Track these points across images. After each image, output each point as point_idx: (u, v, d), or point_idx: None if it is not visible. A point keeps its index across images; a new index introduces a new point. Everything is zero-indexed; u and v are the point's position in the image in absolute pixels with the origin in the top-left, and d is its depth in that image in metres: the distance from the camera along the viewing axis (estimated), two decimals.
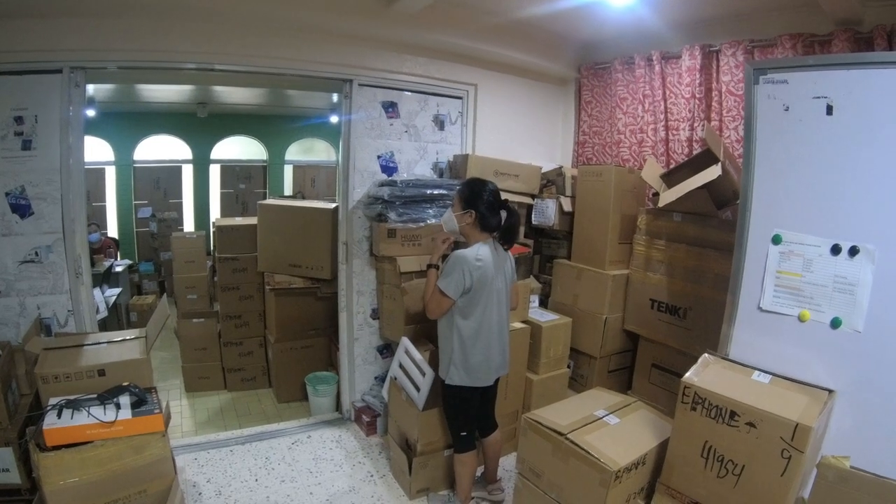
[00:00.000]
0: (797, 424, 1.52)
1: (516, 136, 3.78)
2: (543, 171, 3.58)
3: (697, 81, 3.15)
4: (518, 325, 2.98)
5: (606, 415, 2.12)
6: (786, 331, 1.85)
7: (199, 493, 2.67)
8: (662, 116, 3.38)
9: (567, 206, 3.42)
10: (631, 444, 1.94)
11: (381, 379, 3.41)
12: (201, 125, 7.21)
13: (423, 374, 2.64)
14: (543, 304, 3.48)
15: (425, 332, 2.96)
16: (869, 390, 1.68)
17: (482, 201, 2.35)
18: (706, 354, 1.95)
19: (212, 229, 5.36)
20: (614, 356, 3.33)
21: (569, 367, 3.28)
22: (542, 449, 2.04)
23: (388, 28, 3.05)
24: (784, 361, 1.83)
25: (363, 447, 3.19)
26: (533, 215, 3.57)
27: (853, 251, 1.69)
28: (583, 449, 1.88)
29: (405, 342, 2.81)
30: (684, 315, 2.91)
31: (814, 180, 1.77)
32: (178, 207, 7.41)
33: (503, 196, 3.30)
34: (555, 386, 3.15)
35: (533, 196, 3.56)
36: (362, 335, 3.38)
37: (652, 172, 3.08)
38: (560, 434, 1.95)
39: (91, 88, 5.42)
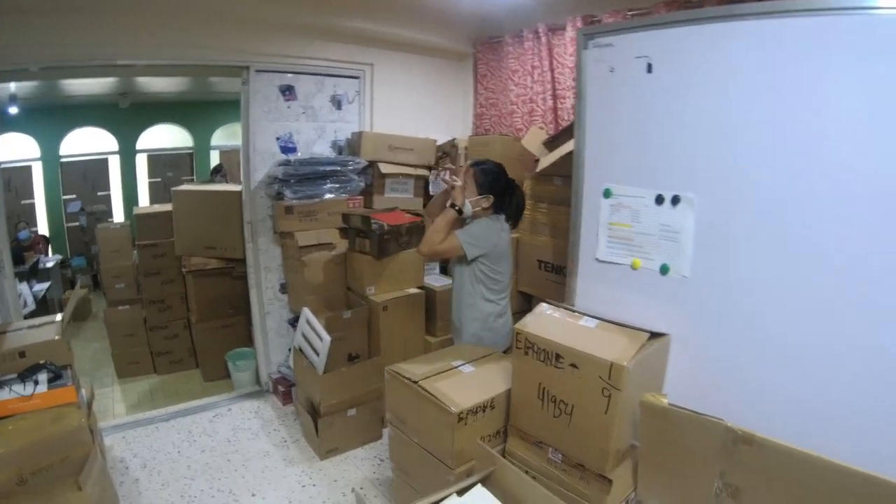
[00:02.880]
0: (612, 364, 1.57)
1: (415, 111, 3.92)
2: (438, 143, 3.74)
3: None
4: (413, 290, 3.17)
5: (463, 364, 2.23)
6: (621, 279, 1.94)
7: (126, 468, 2.82)
8: (550, 86, 3.53)
9: None
10: (479, 390, 2.02)
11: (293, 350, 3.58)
12: (125, 116, 7.11)
13: (321, 339, 2.80)
14: (444, 270, 3.65)
15: (325, 301, 3.12)
16: (699, 333, 1.77)
17: (500, 187, 2.37)
18: (543, 303, 2.03)
19: None
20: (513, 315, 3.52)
21: None
22: (403, 397, 2.16)
23: (283, 13, 3.15)
24: (621, 308, 1.89)
25: (279, 416, 3.37)
26: (430, 187, 3.73)
27: (675, 200, 1.77)
28: (431, 394, 1.98)
29: (306, 312, 2.97)
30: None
31: (637, 135, 1.84)
32: (107, 200, 7.35)
33: (400, 170, 3.50)
34: None
35: (430, 168, 3.72)
36: (273, 309, 3.54)
37: (534, 140, 3.25)
38: (414, 382, 2.07)
39: (13, 86, 5.36)
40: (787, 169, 1.52)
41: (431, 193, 3.73)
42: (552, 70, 3.52)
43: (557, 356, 1.72)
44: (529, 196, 3.27)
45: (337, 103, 3.59)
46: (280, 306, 3.57)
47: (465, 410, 1.90)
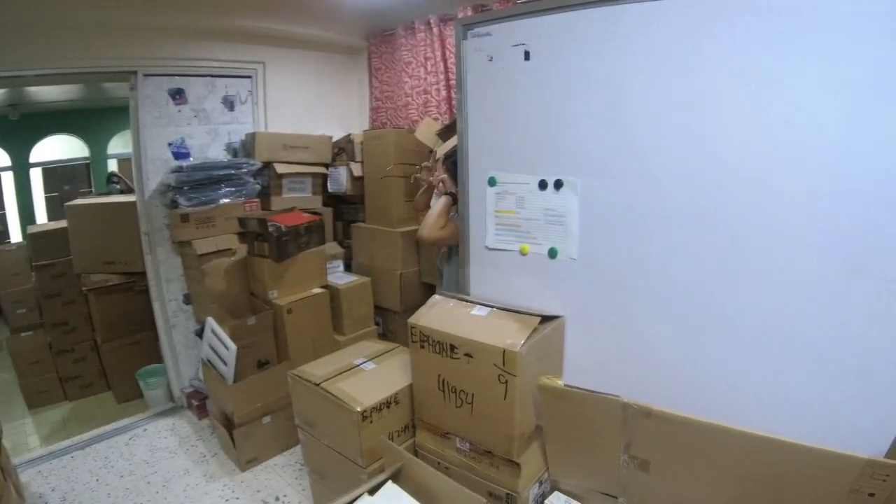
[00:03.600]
0: (504, 350, 1.61)
1: (311, 108, 3.90)
2: (334, 139, 3.73)
3: None
4: (317, 290, 3.15)
5: (364, 362, 2.26)
6: (511, 265, 1.94)
7: (46, 503, 2.69)
8: (444, 77, 3.58)
9: (357, 172, 3.61)
10: (381, 386, 2.05)
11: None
12: (16, 128, 6.68)
13: (228, 348, 2.75)
14: (349, 268, 3.67)
15: (228, 308, 3.07)
16: (590, 313, 1.80)
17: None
18: (435, 295, 2.07)
19: None
20: (416, 308, 3.56)
21: (377, 324, 3.51)
22: (308, 400, 2.18)
23: (169, 14, 3.06)
24: (514, 294, 1.93)
25: (196, 431, 3.30)
26: (328, 184, 3.73)
27: (558, 184, 1.78)
28: (333, 395, 2.00)
29: (210, 322, 2.91)
30: None
31: (517, 123, 1.83)
32: (2, 219, 6.91)
33: (296, 169, 3.47)
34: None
35: (327, 165, 3.71)
36: (178, 322, 3.45)
37: (427, 131, 3.27)
38: (315, 384, 2.08)
39: None
40: (667, 148, 1.55)
41: (331, 191, 3.72)
42: (445, 60, 3.56)
43: (452, 347, 1.75)
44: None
45: (229, 104, 3.51)
46: (185, 318, 3.48)
47: (369, 408, 1.93)
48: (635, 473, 1.54)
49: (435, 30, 3.55)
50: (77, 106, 6.82)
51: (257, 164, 3.30)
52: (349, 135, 3.74)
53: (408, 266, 3.44)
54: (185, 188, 3.04)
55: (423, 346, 1.85)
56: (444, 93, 3.61)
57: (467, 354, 1.72)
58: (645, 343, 1.69)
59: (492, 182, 1.95)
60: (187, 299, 3.44)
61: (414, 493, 1.52)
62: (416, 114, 3.80)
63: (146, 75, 3.17)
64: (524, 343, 1.63)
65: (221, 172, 3.14)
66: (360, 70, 4.16)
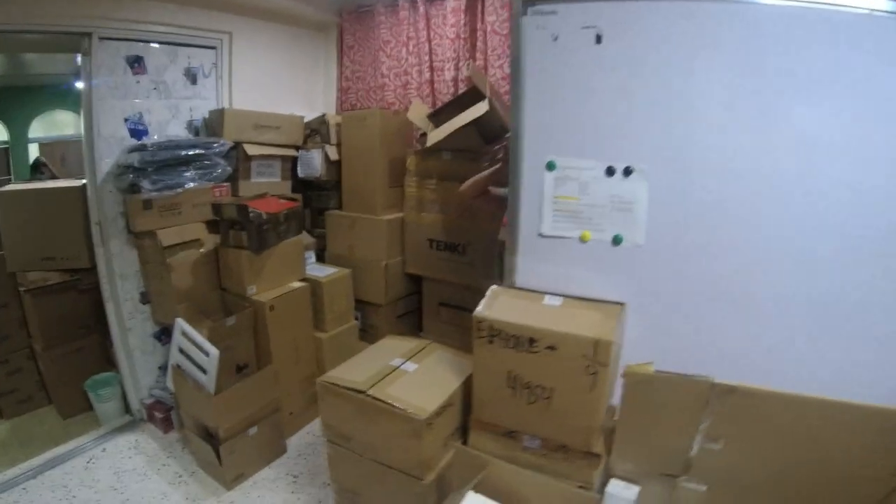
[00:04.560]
0: (597, 340, 1.55)
1: (276, 86, 3.58)
2: (306, 120, 3.44)
3: (462, 22, 3.19)
4: (296, 283, 2.87)
5: (403, 362, 2.09)
6: (569, 253, 1.85)
7: None
8: (427, 58, 3.40)
9: (333, 155, 3.33)
10: (435, 388, 1.92)
11: (164, 368, 3.10)
12: None
13: (207, 354, 2.43)
14: (320, 258, 3.40)
15: (202, 308, 2.73)
16: (654, 299, 1.78)
17: None
18: (494, 286, 1.94)
19: None
20: (400, 301, 3.35)
21: (356, 318, 3.25)
22: (346, 411, 1.97)
23: None
24: (571, 282, 1.87)
25: (164, 447, 2.91)
26: (298, 168, 3.43)
27: (627, 171, 1.74)
28: (387, 403, 1.83)
29: (180, 324, 2.56)
30: (464, 251, 2.98)
31: (584, 107, 1.76)
32: None
33: (267, 151, 3.16)
34: (346, 341, 3.12)
35: (297, 147, 3.42)
36: (135, 324, 3.05)
37: (418, 113, 3.07)
38: (360, 392, 1.89)
39: None
40: (738, 143, 1.61)
41: (301, 176, 3.43)
42: (430, 41, 3.37)
43: (531, 340, 1.65)
44: (414, 173, 3.11)
45: (192, 77, 3.14)
46: (143, 319, 3.08)
47: (432, 414, 1.79)
48: (705, 450, 1.54)
49: (421, 9, 3.36)
50: None
51: (228, 143, 2.96)
52: (323, 115, 3.45)
53: (392, 256, 3.20)
54: (150, 170, 2.66)
55: (491, 342, 1.72)
56: (426, 75, 3.42)
57: (550, 347, 1.63)
58: (706, 328, 1.73)
59: (550, 167, 1.84)
60: (144, 298, 3.04)
61: (498, 498, 1.46)
62: (393, 96, 3.59)
63: (102, 38, 2.76)
64: (614, 331, 1.59)
65: (190, 153, 2.78)
66: (327, 47, 3.89)
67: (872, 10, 1.45)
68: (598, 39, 1.71)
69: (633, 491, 1.62)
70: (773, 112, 1.56)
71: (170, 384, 2.71)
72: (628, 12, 1.67)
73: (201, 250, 2.79)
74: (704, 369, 1.50)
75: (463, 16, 3.18)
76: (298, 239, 2.95)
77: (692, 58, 1.62)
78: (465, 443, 1.92)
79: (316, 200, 3.59)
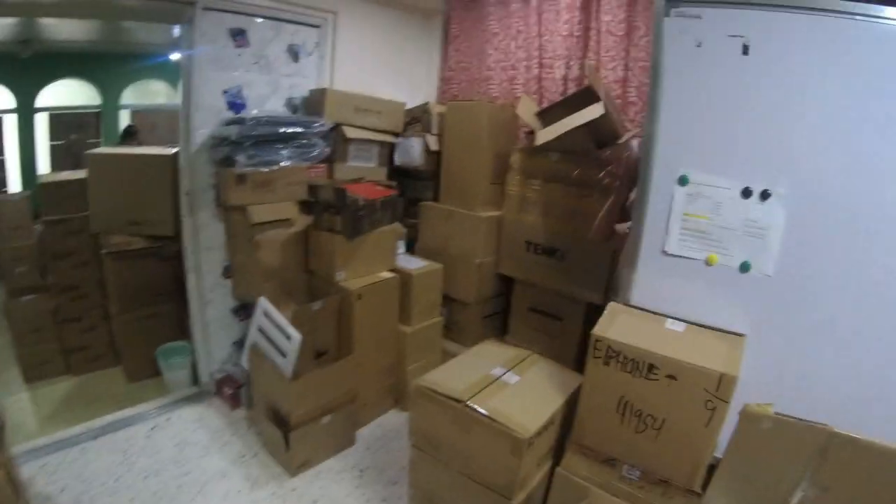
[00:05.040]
0: (722, 375, 1.48)
1: (378, 70, 3.47)
2: (407, 107, 3.32)
3: (577, 20, 3.03)
4: (386, 273, 2.76)
5: (505, 372, 1.97)
6: (692, 275, 1.77)
7: None
8: (536, 54, 3.24)
9: (434, 145, 3.19)
10: (538, 405, 1.82)
11: (239, 344, 3.05)
12: (24, 68, 6.12)
13: (289, 337, 2.34)
14: (410, 249, 3.28)
15: (286, 288, 2.65)
16: (776, 334, 1.68)
17: None
18: (613, 303, 1.83)
19: None
20: (489, 301, 3.20)
21: (441, 314, 3.11)
22: (440, 418, 1.87)
23: None
24: (691, 306, 1.78)
25: (229, 423, 2.84)
26: (396, 155, 3.31)
27: (765, 195, 1.64)
28: (489, 417, 1.73)
29: (263, 303, 2.49)
30: (562, 256, 2.81)
31: (726, 121, 1.67)
32: (1, 165, 6.35)
33: (366, 135, 3.05)
34: (430, 336, 3.01)
35: (396, 134, 3.29)
36: (215, 297, 2.99)
37: (527, 110, 2.92)
38: (459, 401, 1.78)
39: None
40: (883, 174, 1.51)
41: (397, 163, 3.31)
42: (540, 36, 3.21)
43: (651, 367, 1.59)
44: (518, 171, 2.94)
45: (294, 55, 3.06)
46: (223, 293, 3.02)
47: (534, 433, 1.71)
48: (807, 497, 1.47)
49: (533, 3, 3.21)
50: (93, 49, 6.28)
51: (328, 124, 2.86)
52: (426, 103, 3.33)
53: (486, 255, 3.04)
54: (247, 144, 2.58)
55: (607, 364, 1.62)
56: (535, 71, 3.27)
57: (670, 376, 1.55)
58: (822, 372, 1.65)
59: (683, 181, 1.74)
60: (227, 272, 2.98)
61: None
62: (498, 90, 3.45)
63: (206, 8, 2.69)
64: (739, 366, 1.52)
65: (289, 130, 2.70)
66: (432, 35, 3.76)
67: None
68: (745, 50, 1.62)
69: None
70: None
71: (244, 363, 2.63)
72: (779, 23, 1.58)
73: (291, 230, 2.71)
74: (815, 414, 1.42)
75: (578, 13, 3.02)
76: (392, 228, 2.83)
77: (846, 77, 1.52)
78: (557, 464, 1.81)
79: (410, 190, 3.45)
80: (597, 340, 1.64)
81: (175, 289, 3.43)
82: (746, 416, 1.46)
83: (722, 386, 1.49)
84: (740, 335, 1.68)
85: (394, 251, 2.89)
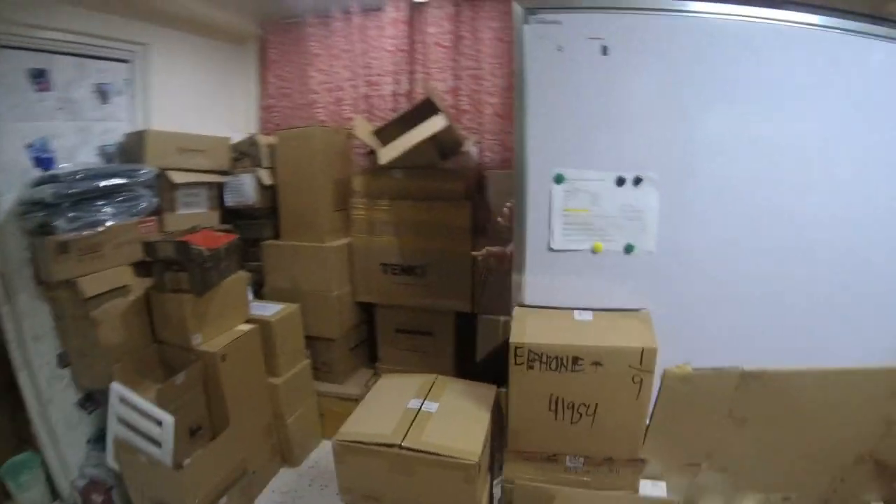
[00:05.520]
0: (643, 349, 1.59)
1: (197, 104, 3.25)
2: (233, 142, 3.13)
3: (402, 34, 3.07)
4: (244, 326, 2.60)
5: (422, 403, 1.94)
6: (582, 265, 1.87)
7: None
8: (363, 72, 3.24)
9: (267, 179, 3.05)
10: (469, 426, 1.83)
11: (96, 441, 2.65)
12: None
13: (160, 423, 2.10)
14: (258, 294, 3.09)
15: (137, 366, 2.38)
16: (667, 305, 1.83)
17: None
18: (517, 307, 1.88)
19: None
20: (352, 332, 3.16)
21: (307, 356, 2.99)
22: (374, 469, 1.78)
23: None
24: (585, 295, 1.88)
25: None
26: (225, 195, 3.09)
27: (637, 181, 1.79)
28: (431, 452, 1.69)
29: (117, 389, 2.21)
30: (423, 272, 2.84)
31: (591, 118, 1.78)
32: None
33: (194, 178, 2.84)
34: (300, 382, 2.89)
35: (224, 173, 3.08)
36: (54, 393, 2.54)
37: (364, 130, 2.90)
38: (392, 445, 1.72)
39: None
40: (733, 153, 1.77)
41: (229, 204, 3.10)
42: (365, 53, 3.22)
43: (575, 359, 1.64)
44: (363, 194, 2.94)
45: (102, 95, 2.72)
46: (64, 386, 2.58)
47: (480, 455, 1.70)
48: (729, 434, 1.67)
49: (356, 20, 3.19)
50: None
51: (153, 170, 2.59)
52: (253, 135, 3.16)
53: (342, 285, 2.99)
54: (65, 205, 2.26)
55: (531, 367, 1.67)
56: (362, 89, 3.27)
57: (595, 363, 1.63)
58: (724, 326, 1.85)
59: (559, 179, 1.84)
60: (64, 360, 2.57)
61: None
62: (324, 113, 3.39)
63: (2, 46, 2.31)
64: (655, 338, 1.64)
65: (111, 182, 2.40)
66: (247, 62, 3.61)
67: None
68: (605, 51, 1.73)
69: (661, 487, 1.74)
70: (771, 121, 1.74)
71: (110, 461, 2.31)
72: (634, 24, 1.70)
73: (131, 297, 2.44)
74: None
75: (403, 27, 3.06)
76: (240, 276, 2.65)
77: (689, 66, 1.72)
78: (494, 477, 1.90)
79: (246, 231, 3.16)
80: (517, 348, 1.67)
81: (4, 392, 2.93)
82: (668, 377, 1.61)
83: (645, 358, 1.59)
84: (643, 310, 1.82)
85: (246, 300, 2.71)
